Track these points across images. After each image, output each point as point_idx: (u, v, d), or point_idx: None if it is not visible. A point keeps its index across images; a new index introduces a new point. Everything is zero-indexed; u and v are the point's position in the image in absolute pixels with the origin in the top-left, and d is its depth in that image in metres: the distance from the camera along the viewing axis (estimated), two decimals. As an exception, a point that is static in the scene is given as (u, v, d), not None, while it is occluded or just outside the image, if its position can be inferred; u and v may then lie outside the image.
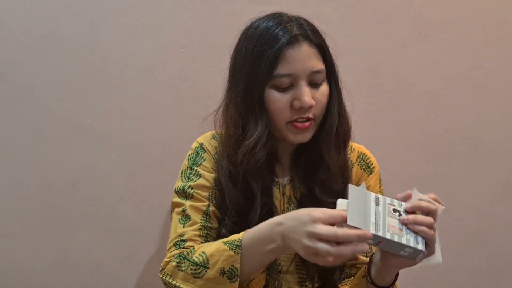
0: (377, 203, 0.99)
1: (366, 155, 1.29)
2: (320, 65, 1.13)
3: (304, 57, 1.11)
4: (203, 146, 1.22)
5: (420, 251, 0.99)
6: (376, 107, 1.68)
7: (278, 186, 1.20)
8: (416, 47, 1.69)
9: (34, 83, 1.56)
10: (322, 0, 1.63)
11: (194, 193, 1.17)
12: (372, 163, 1.29)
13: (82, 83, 1.57)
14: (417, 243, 0.98)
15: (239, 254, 1.03)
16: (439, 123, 1.72)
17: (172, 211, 1.20)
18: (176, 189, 1.20)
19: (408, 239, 0.98)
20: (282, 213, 1.18)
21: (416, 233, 0.99)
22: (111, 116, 1.59)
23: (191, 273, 1.07)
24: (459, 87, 1.71)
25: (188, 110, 1.61)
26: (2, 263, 1.58)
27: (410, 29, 1.68)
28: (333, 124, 1.17)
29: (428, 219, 0.99)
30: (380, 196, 1.01)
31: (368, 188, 1.26)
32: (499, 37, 1.72)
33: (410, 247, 0.98)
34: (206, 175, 1.19)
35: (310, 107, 1.11)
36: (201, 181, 1.18)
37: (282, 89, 1.11)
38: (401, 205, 1.01)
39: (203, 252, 1.07)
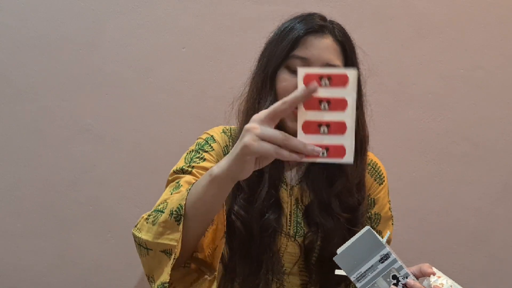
0: (381, 260, 0.94)
1: (377, 164, 1.28)
2: (337, 61, 1.13)
3: (323, 47, 1.12)
4: (214, 137, 1.21)
5: None
6: (376, 107, 1.68)
7: (285, 187, 1.19)
8: (416, 47, 1.69)
9: (34, 83, 1.56)
10: (322, 0, 1.63)
11: (194, 171, 1.14)
12: (383, 173, 1.27)
13: (82, 83, 1.57)
14: None
15: (188, 191, 0.98)
16: (439, 123, 1.72)
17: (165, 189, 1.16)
18: (174, 169, 1.17)
19: None
20: (289, 215, 1.18)
21: None
22: (111, 116, 1.59)
23: (152, 220, 1.03)
24: (459, 87, 1.71)
25: (188, 110, 1.61)
26: (2, 263, 1.58)
27: (410, 29, 1.68)
28: None
29: None
30: (392, 256, 0.94)
31: (377, 199, 1.25)
32: (499, 37, 1.72)
33: None
34: (211, 162, 1.16)
35: None
36: (204, 164, 1.15)
37: (294, 71, 1.12)
38: (406, 277, 0.95)
39: (167, 200, 1.04)
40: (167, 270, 0.99)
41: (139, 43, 1.59)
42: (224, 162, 0.91)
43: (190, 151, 1.20)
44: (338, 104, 0.82)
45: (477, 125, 1.73)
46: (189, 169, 1.15)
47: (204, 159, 1.17)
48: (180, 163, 1.18)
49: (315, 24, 1.13)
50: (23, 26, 1.54)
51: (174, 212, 0.98)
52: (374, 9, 1.67)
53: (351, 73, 0.82)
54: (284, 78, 1.12)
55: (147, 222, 1.04)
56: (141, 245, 1.05)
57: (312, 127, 0.83)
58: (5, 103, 1.55)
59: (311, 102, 0.83)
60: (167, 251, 1.00)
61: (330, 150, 0.83)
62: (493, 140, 1.73)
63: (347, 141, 0.83)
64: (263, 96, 1.13)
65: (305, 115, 0.83)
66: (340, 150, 0.83)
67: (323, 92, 0.82)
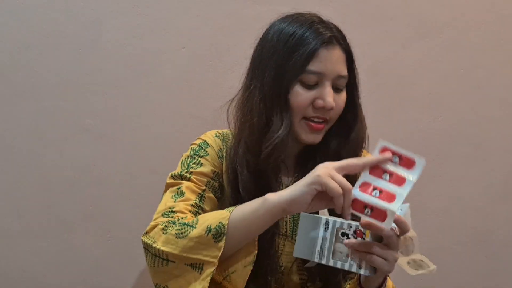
0: (325, 229, 0.99)
1: None
2: (345, 71, 1.15)
3: (335, 60, 1.13)
4: (207, 142, 1.22)
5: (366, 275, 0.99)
6: (376, 107, 1.68)
7: (281, 187, 1.19)
8: (416, 47, 1.69)
9: (34, 83, 1.56)
10: (322, 0, 1.63)
11: (192, 177, 1.15)
12: None
13: (82, 83, 1.57)
14: (360, 268, 0.98)
15: (231, 212, 1.02)
16: (439, 123, 1.72)
17: (164, 192, 1.17)
18: (173, 174, 1.18)
19: (351, 264, 0.98)
20: (286, 216, 1.18)
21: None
22: (111, 116, 1.59)
23: (175, 233, 1.03)
24: (459, 87, 1.71)
25: (188, 110, 1.61)
26: (2, 263, 1.58)
27: (410, 29, 1.68)
28: (351, 130, 1.19)
29: (372, 246, 0.96)
30: (331, 219, 0.99)
31: None
32: (499, 37, 1.72)
33: (354, 272, 0.98)
34: (208, 167, 1.17)
35: (331, 109, 1.13)
36: (201, 169, 1.17)
37: (308, 86, 1.12)
38: (350, 227, 0.99)
39: (197, 217, 1.06)
40: (203, 284, 1.00)
41: (139, 43, 1.58)
42: (288, 190, 0.97)
43: (186, 157, 1.20)
44: (398, 180, 0.94)
45: (477, 125, 1.73)
46: (188, 175, 1.16)
47: (201, 164, 1.17)
48: (178, 169, 1.19)
49: (325, 37, 1.12)
50: (23, 26, 1.54)
51: (212, 230, 1.00)
52: (374, 9, 1.67)
53: (420, 161, 0.95)
54: (299, 93, 1.12)
55: (164, 233, 1.04)
56: (157, 255, 1.04)
57: (367, 188, 0.93)
58: (5, 103, 1.55)
59: (376, 169, 0.95)
60: (195, 265, 1.01)
61: (374, 211, 0.91)
62: (493, 140, 1.73)
63: (392, 209, 0.90)
64: (278, 112, 1.12)
65: (367, 177, 0.95)
66: (381, 214, 0.91)
67: (391, 166, 0.95)
